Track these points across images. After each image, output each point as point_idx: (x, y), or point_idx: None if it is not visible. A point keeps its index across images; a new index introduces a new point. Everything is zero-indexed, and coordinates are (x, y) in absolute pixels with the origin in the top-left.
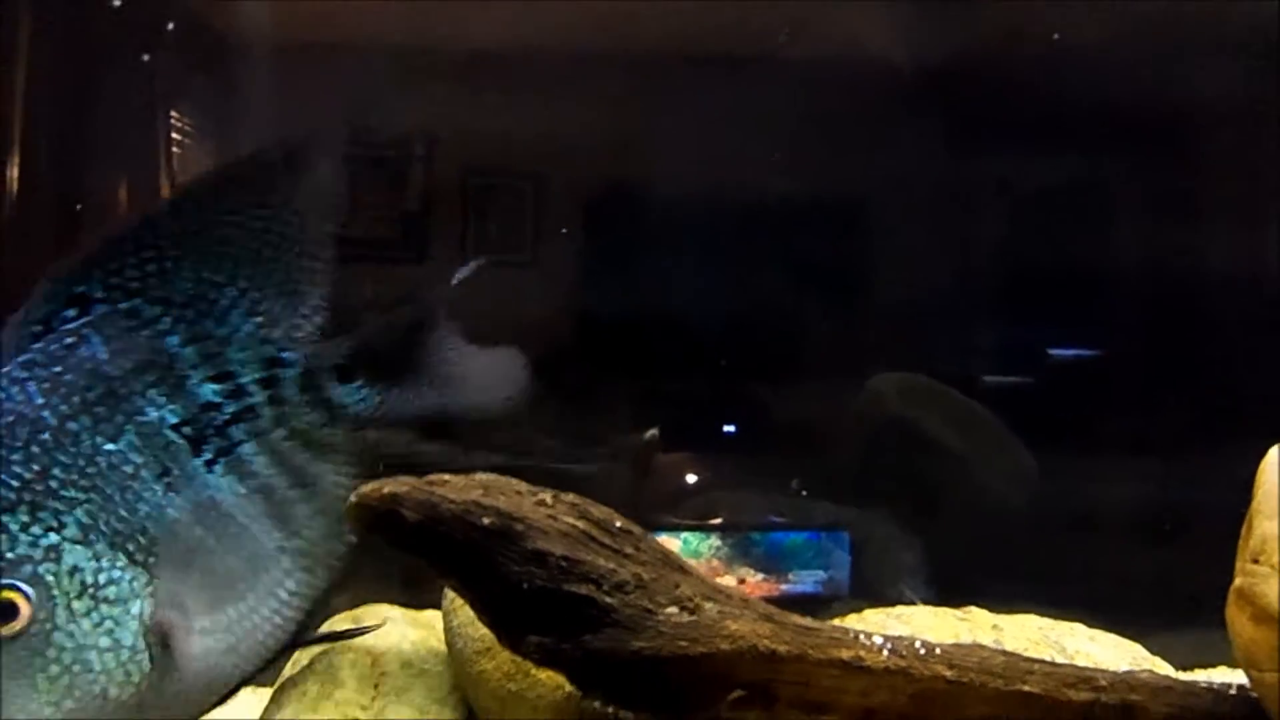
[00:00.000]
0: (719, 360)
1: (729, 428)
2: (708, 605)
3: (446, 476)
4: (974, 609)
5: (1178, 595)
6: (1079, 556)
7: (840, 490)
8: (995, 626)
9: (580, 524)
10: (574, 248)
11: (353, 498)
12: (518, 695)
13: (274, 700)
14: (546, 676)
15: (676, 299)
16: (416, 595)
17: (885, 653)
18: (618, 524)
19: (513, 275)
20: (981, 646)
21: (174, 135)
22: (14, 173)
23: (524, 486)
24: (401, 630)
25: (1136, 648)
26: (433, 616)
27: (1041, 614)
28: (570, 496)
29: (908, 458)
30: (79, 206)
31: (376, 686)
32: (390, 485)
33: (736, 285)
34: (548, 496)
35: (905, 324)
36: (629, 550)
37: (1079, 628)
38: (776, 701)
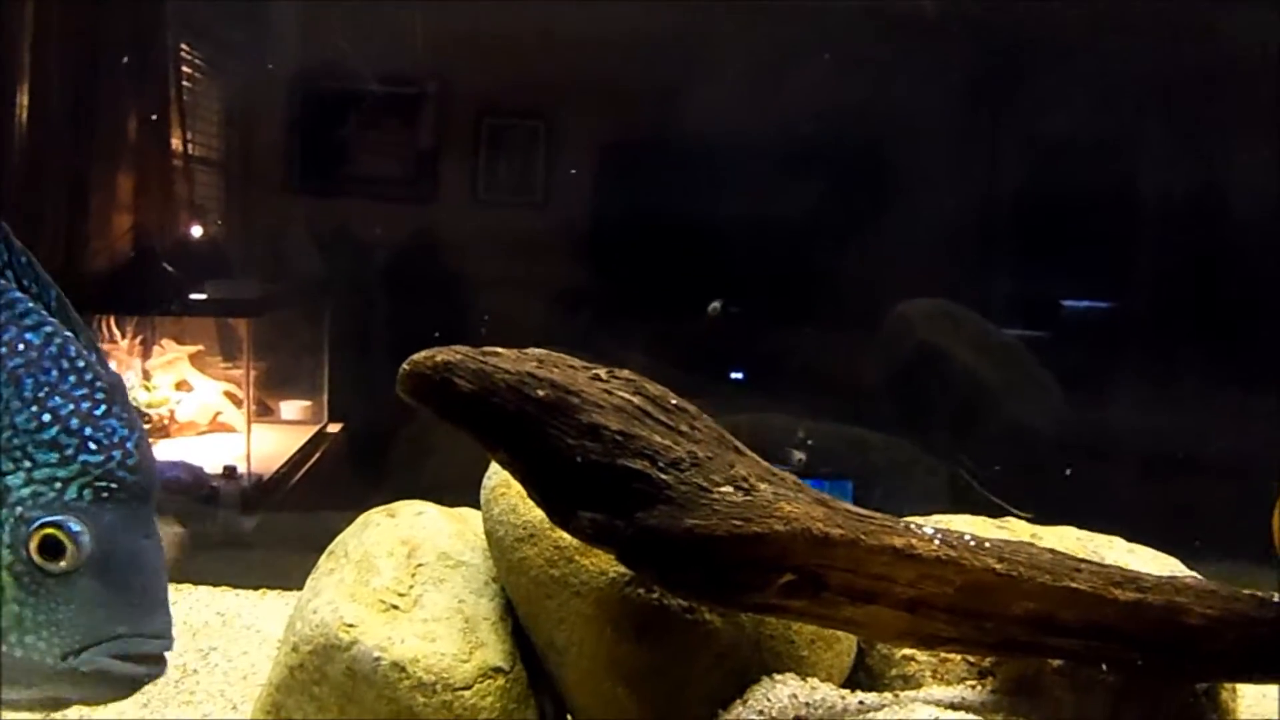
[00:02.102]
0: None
1: (736, 374)
2: (763, 486)
3: (499, 349)
4: (1011, 520)
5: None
6: (1105, 483)
7: (866, 415)
8: (1034, 536)
9: (636, 399)
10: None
11: (405, 366)
12: (560, 581)
13: (310, 587)
14: (589, 562)
15: (693, 237)
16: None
17: (937, 542)
18: (673, 401)
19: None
20: (1029, 544)
21: (184, 69)
22: (24, 100)
23: (578, 362)
24: (438, 524)
25: (1174, 561)
26: (468, 513)
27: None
28: (626, 372)
29: (934, 383)
30: (90, 136)
31: (414, 575)
32: (443, 353)
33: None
34: (602, 371)
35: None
36: (684, 428)
37: (1118, 541)
38: (825, 589)
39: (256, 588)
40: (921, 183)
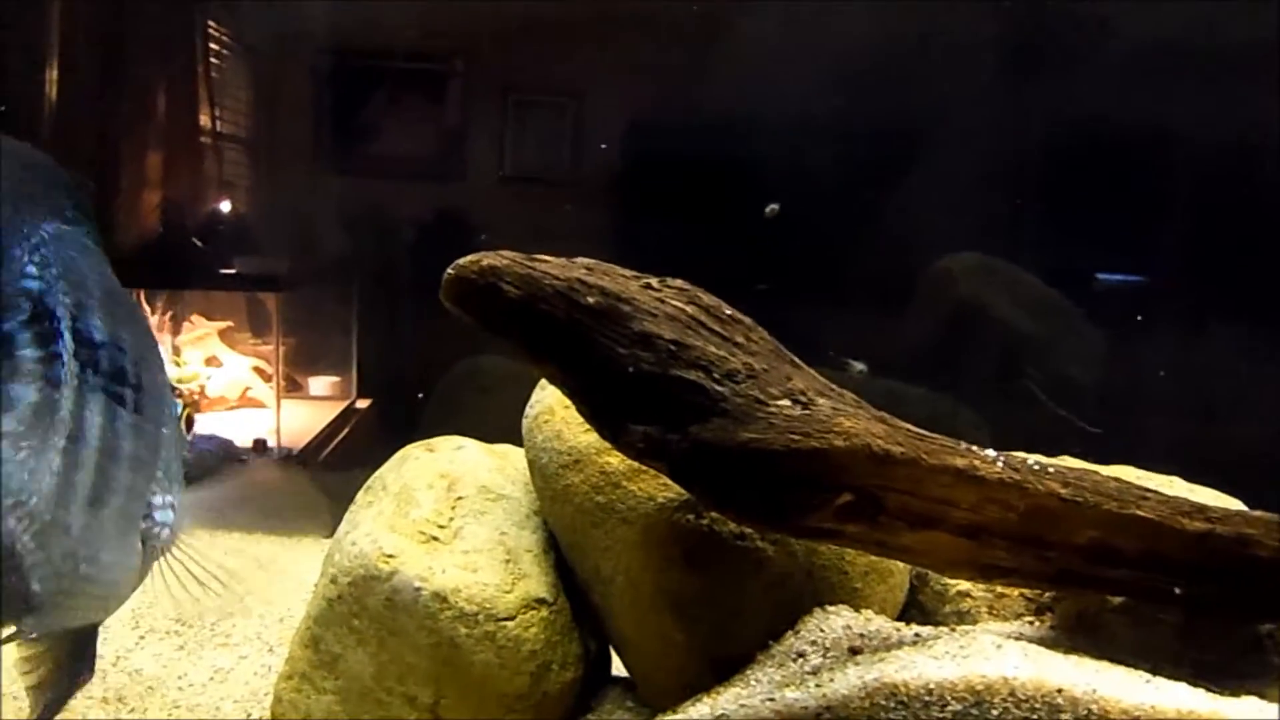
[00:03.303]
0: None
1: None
2: (821, 401)
3: (546, 256)
4: (1067, 457)
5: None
6: (1150, 435)
7: (908, 369)
8: (1090, 473)
9: (689, 308)
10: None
11: (449, 270)
12: (606, 508)
13: (349, 518)
14: (637, 488)
15: (728, 205)
16: None
17: (999, 464)
18: (727, 311)
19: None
20: (1093, 471)
21: (212, 45)
22: (53, 75)
23: (627, 271)
24: (478, 458)
25: (1236, 503)
26: (508, 449)
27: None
28: (678, 281)
29: (975, 336)
30: (119, 107)
31: (454, 508)
32: (489, 258)
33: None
34: (654, 280)
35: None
36: (739, 339)
37: (1178, 480)
38: (883, 512)
39: (291, 534)
40: (962, 136)
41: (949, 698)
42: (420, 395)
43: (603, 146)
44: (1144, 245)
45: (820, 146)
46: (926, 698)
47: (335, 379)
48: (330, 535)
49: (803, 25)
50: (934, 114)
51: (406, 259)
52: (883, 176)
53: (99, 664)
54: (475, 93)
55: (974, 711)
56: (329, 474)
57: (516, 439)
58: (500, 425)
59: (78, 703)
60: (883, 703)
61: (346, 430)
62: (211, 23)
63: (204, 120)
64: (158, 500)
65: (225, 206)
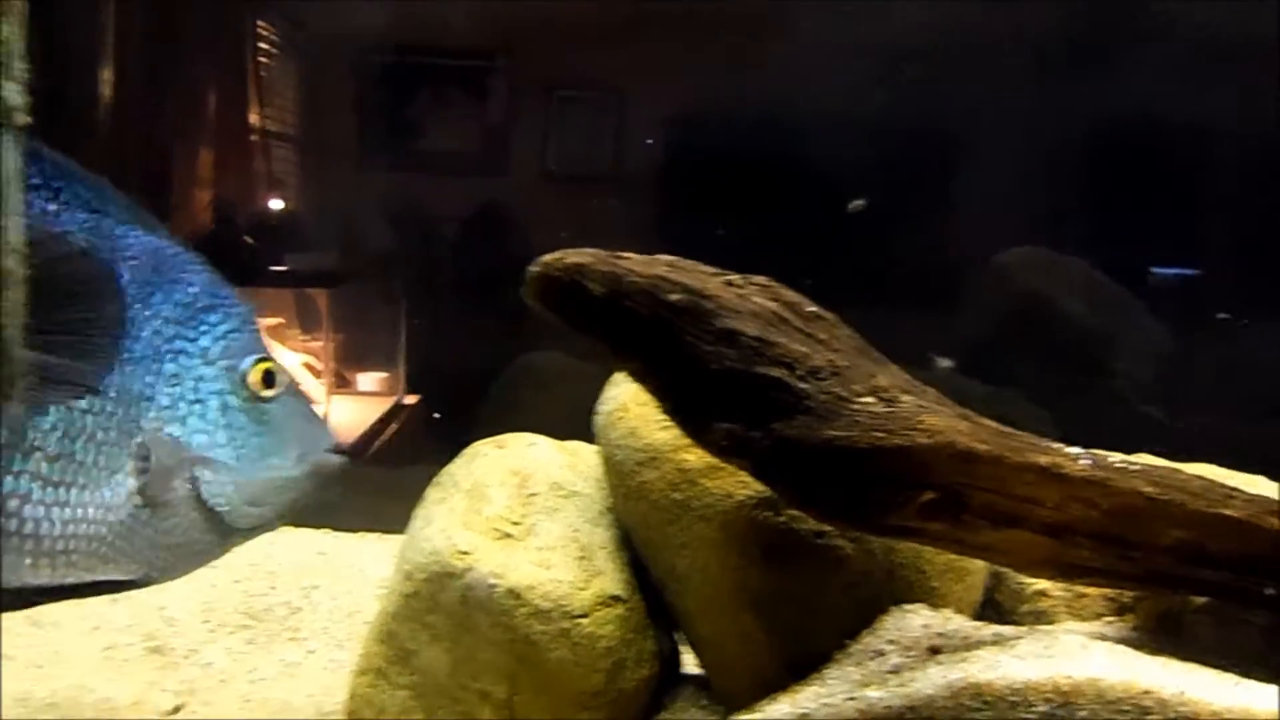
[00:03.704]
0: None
1: None
2: (905, 398)
3: (628, 253)
4: (1145, 455)
5: None
6: (1219, 434)
7: (968, 366)
8: (1174, 472)
9: (772, 305)
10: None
11: (534, 267)
12: (683, 505)
13: (421, 515)
14: (715, 485)
15: (777, 204)
16: None
17: (1084, 462)
18: (810, 308)
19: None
20: (1178, 469)
21: (260, 45)
22: (107, 75)
23: (707, 268)
24: (549, 455)
25: None
26: (578, 446)
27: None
28: (760, 278)
29: (1035, 332)
30: (171, 106)
31: (526, 505)
32: (574, 255)
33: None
34: (735, 277)
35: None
36: (822, 336)
37: (1261, 480)
38: (966, 510)
39: (352, 530)
40: (1016, 130)
41: (1035, 698)
42: (463, 392)
43: (648, 142)
44: (1201, 239)
45: (871, 142)
46: (1012, 698)
47: (383, 375)
48: (386, 531)
49: (849, 18)
50: (987, 108)
51: (453, 255)
52: (937, 171)
53: (172, 655)
54: (520, 89)
55: (1060, 712)
56: (378, 470)
57: (573, 435)
58: (556, 421)
59: (152, 694)
60: (968, 703)
61: (395, 426)
62: (260, 22)
63: (253, 118)
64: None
65: (275, 204)
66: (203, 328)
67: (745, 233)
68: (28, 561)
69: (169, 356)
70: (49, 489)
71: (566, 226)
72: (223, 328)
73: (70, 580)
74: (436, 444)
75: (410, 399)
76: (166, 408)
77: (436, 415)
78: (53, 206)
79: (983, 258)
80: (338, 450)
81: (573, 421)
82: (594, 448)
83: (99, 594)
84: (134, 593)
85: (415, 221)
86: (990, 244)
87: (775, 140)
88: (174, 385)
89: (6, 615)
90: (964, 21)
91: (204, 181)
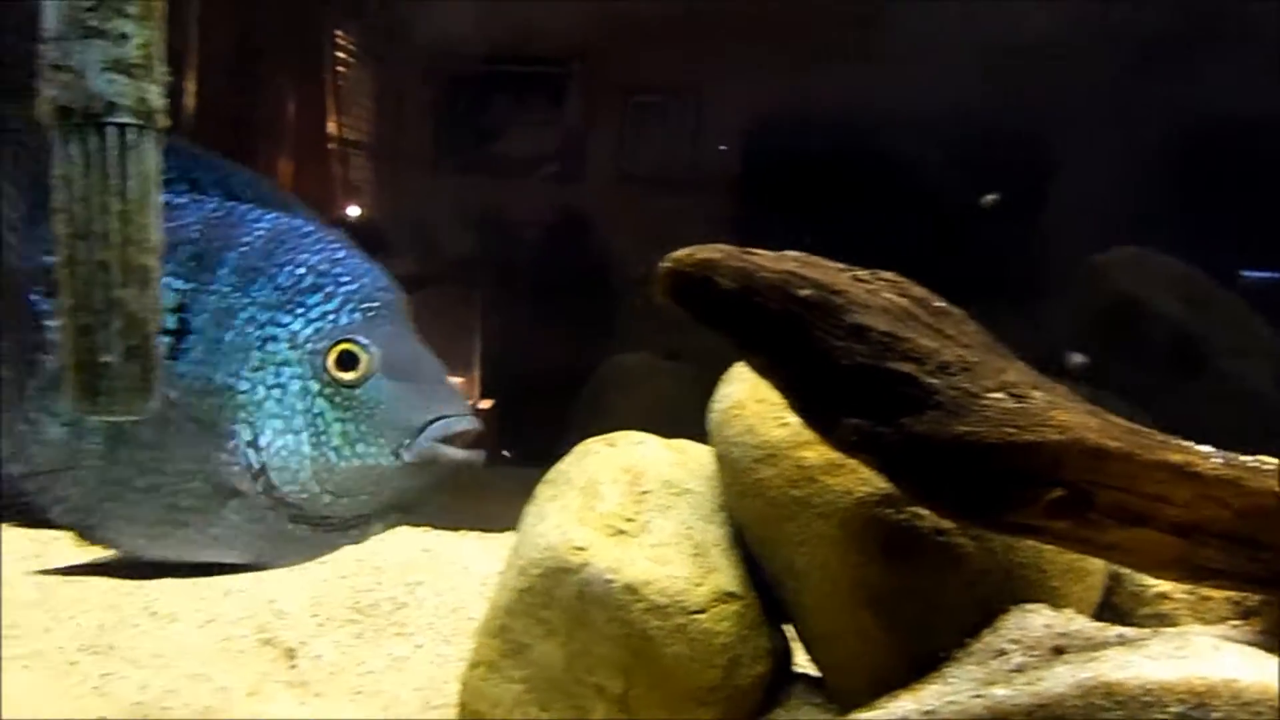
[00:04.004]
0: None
1: None
2: (1035, 393)
3: (757, 250)
4: (1264, 457)
5: None
6: None
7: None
8: None
9: (901, 301)
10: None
11: (665, 263)
12: (801, 502)
13: (534, 511)
14: (835, 482)
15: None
16: None
17: (1216, 460)
18: (938, 303)
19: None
20: None
21: (338, 54)
22: (190, 85)
23: (835, 263)
24: (659, 453)
25: None
26: (686, 444)
27: None
28: (888, 274)
29: (1134, 336)
30: (253, 114)
31: (639, 502)
32: (704, 251)
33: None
34: (863, 272)
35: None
36: (951, 331)
37: None
38: (1093, 507)
39: (455, 528)
40: (1111, 129)
41: (1169, 699)
42: (539, 396)
43: (721, 147)
44: None
45: (958, 143)
46: (1145, 698)
47: (459, 379)
48: (474, 530)
49: (930, 17)
50: (1081, 107)
51: (529, 260)
52: (1031, 171)
53: (282, 648)
54: (594, 94)
55: (1195, 713)
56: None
57: (665, 435)
58: (645, 421)
59: (266, 685)
60: (1099, 702)
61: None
62: (338, 31)
63: (331, 125)
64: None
65: (353, 210)
66: (299, 310)
67: (820, 233)
68: (140, 541)
69: (259, 343)
70: (146, 475)
71: (642, 230)
72: (319, 309)
73: (176, 558)
74: (522, 447)
75: (484, 404)
76: (245, 394)
77: (506, 454)
78: (183, 199)
79: (1079, 258)
80: (462, 441)
81: (656, 420)
82: (700, 445)
83: (210, 573)
84: (246, 587)
85: (493, 226)
86: (1087, 244)
87: (854, 142)
88: (257, 372)
89: (126, 606)
90: (1059, 18)
91: (283, 188)
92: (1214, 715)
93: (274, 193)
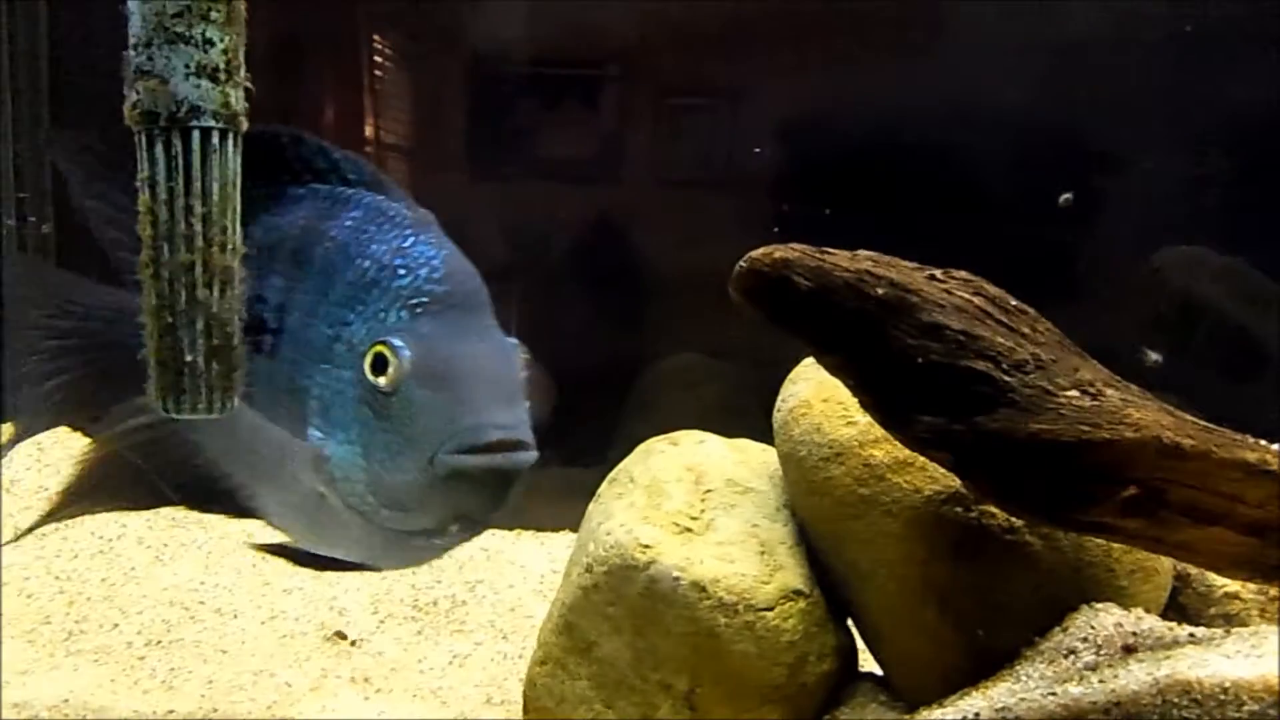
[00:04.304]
0: None
1: None
2: (1110, 392)
3: (832, 250)
4: None
5: None
6: None
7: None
8: None
9: (976, 299)
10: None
11: (742, 263)
12: (869, 500)
13: (599, 510)
14: (903, 480)
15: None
16: None
17: None
18: (1013, 302)
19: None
20: None
21: (376, 59)
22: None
23: (909, 263)
24: (721, 452)
25: None
26: (745, 443)
27: None
28: (962, 273)
29: (1194, 335)
30: (292, 117)
31: (703, 500)
32: (781, 250)
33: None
34: (938, 271)
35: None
36: (1025, 330)
37: None
38: (1165, 507)
39: (511, 528)
40: (1164, 131)
41: (1245, 696)
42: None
43: (756, 150)
44: None
45: (1009, 143)
46: (1221, 696)
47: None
48: (531, 529)
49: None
50: (1135, 108)
51: (564, 260)
52: (1086, 172)
53: (344, 644)
54: (631, 97)
55: (1271, 711)
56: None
57: (720, 433)
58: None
59: (328, 681)
60: (1175, 700)
61: None
62: (376, 35)
63: (369, 128)
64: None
65: None
66: (359, 308)
67: (860, 234)
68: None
69: (328, 345)
70: (250, 472)
71: (680, 230)
72: (374, 307)
73: (295, 546)
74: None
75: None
76: (316, 399)
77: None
78: (302, 189)
79: (1137, 257)
80: (503, 448)
81: (708, 420)
82: (760, 445)
83: (330, 568)
84: (306, 584)
85: (528, 227)
86: (1145, 243)
87: (895, 142)
88: (326, 375)
89: (190, 603)
90: (1125, 17)
91: None
92: None
93: (373, 174)
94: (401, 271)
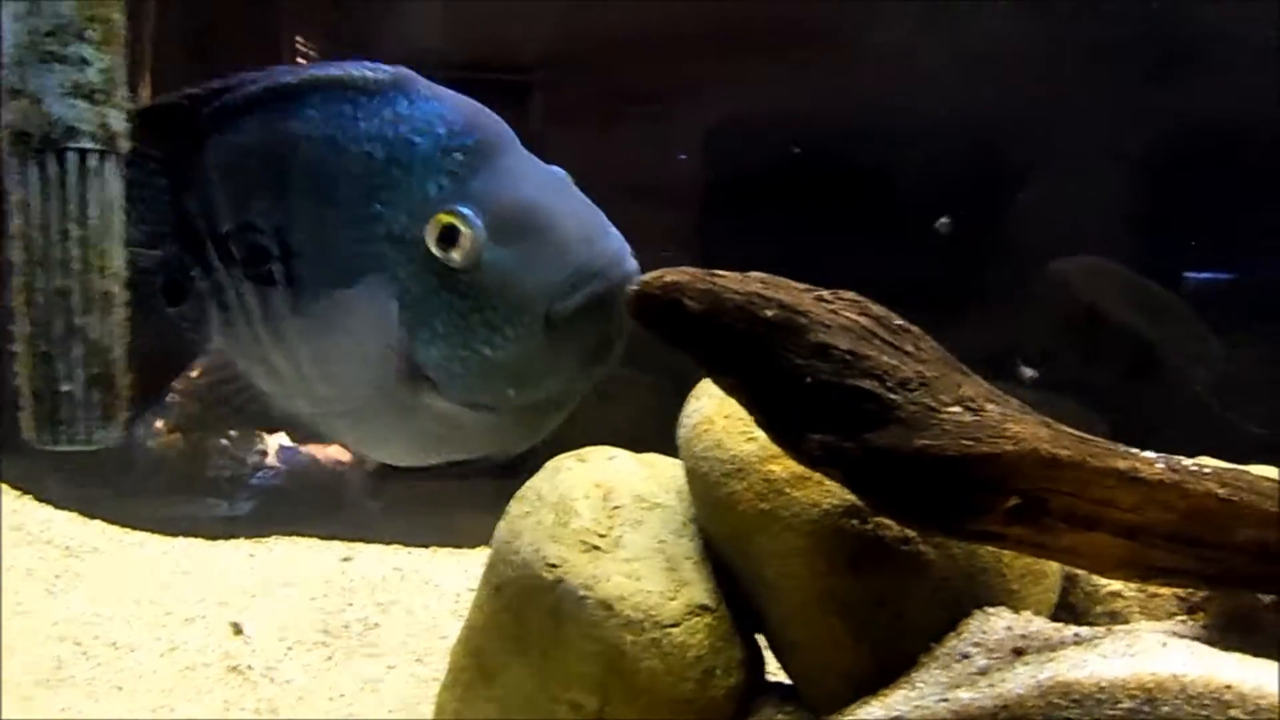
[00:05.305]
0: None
1: None
2: (990, 407)
3: (722, 271)
4: (1205, 458)
5: None
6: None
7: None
8: (1243, 473)
9: (862, 320)
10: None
11: (633, 286)
12: (770, 514)
13: (507, 529)
14: (802, 494)
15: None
16: None
17: (1160, 465)
18: (897, 321)
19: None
20: (1248, 471)
21: (299, 60)
22: (147, 94)
23: (799, 284)
24: (630, 467)
25: None
26: (655, 458)
27: None
28: (849, 293)
29: (1091, 340)
30: None
31: (611, 517)
32: (671, 274)
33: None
34: (825, 293)
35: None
36: (909, 348)
37: None
38: (1046, 515)
39: (426, 545)
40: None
41: (1121, 695)
42: None
43: (681, 157)
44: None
45: (926, 150)
46: (1100, 695)
47: None
48: (454, 545)
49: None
50: (1049, 116)
51: None
52: (996, 180)
53: (250, 675)
54: (562, 103)
55: (1146, 709)
56: (433, 484)
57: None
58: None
59: (231, 714)
60: (1057, 701)
61: None
62: (298, 37)
63: None
64: None
65: None
66: (386, 196)
67: (787, 241)
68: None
69: (368, 254)
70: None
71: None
72: (405, 189)
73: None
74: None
75: None
76: (384, 320)
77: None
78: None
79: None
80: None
81: (635, 431)
82: (671, 460)
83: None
84: (209, 613)
85: None
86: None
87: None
88: (382, 290)
89: (83, 637)
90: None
91: None
92: (1163, 709)
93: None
94: (418, 139)
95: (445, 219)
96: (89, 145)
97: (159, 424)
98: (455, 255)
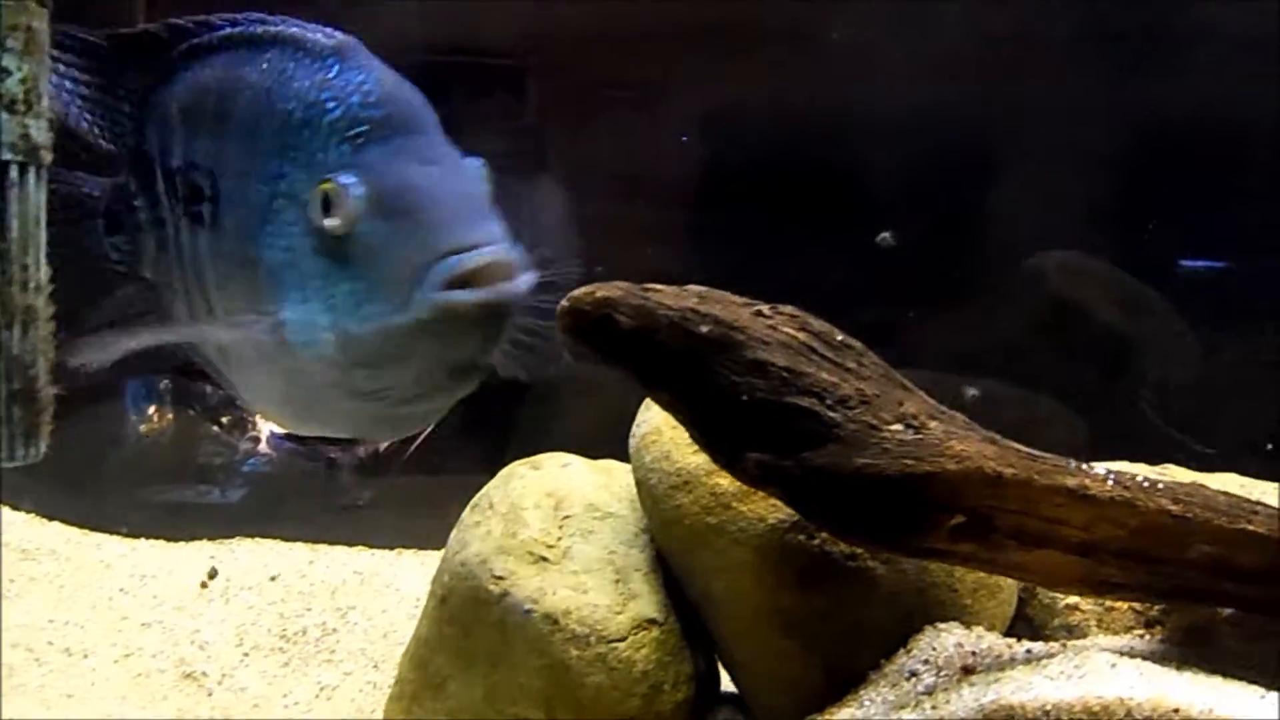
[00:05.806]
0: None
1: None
2: (933, 424)
3: (658, 286)
4: (1171, 466)
5: None
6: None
7: (1000, 369)
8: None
9: (801, 335)
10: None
11: (564, 302)
12: (717, 529)
13: (457, 539)
14: (748, 509)
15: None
16: None
17: (1110, 482)
18: (839, 337)
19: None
20: (1203, 485)
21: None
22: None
23: (738, 298)
24: (583, 475)
25: None
26: (613, 465)
27: None
28: (788, 308)
29: (1069, 336)
30: None
31: (561, 527)
32: (603, 289)
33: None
34: (765, 307)
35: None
36: (851, 365)
37: None
38: (994, 532)
39: (392, 547)
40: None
41: (1066, 719)
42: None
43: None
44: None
45: (903, 145)
46: (1043, 719)
47: None
48: (423, 548)
49: (870, 24)
50: (1022, 110)
51: None
52: (971, 174)
53: (205, 681)
54: (552, 91)
55: None
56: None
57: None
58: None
59: None
60: None
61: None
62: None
63: None
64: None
65: None
66: (292, 154)
67: (765, 239)
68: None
69: (266, 200)
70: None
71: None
72: (309, 149)
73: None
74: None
75: None
76: (267, 266)
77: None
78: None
79: (1017, 260)
80: (492, 276)
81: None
82: (626, 466)
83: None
84: (166, 618)
85: None
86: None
87: (800, 147)
88: (270, 236)
89: (36, 644)
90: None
91: None
92: None
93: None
94: (331, 104)
95: (327, 185)
96: (8, 157)
97: (151, 409)
98: (330, 221)
